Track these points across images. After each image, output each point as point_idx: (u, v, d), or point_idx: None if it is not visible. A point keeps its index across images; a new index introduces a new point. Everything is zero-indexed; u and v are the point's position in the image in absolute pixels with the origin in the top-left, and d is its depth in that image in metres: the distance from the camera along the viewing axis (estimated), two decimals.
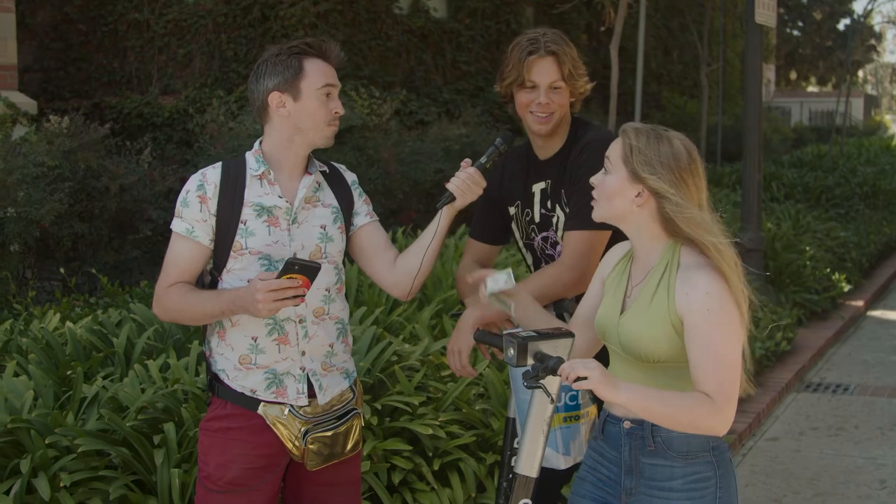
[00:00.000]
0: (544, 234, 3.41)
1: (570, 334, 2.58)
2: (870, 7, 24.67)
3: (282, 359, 2.99)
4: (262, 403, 2.98)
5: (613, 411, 2.71)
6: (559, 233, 3.36)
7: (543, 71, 3.31)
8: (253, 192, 2.99)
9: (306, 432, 2.98)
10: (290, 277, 2.71)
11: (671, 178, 2.57)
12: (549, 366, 2.45)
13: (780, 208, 12.45)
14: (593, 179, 2.70)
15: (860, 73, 44.84)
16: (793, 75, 47.45)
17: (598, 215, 2.70)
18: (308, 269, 2.73)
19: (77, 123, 9.18)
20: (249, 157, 3.04)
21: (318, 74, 2.97)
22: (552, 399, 2.55)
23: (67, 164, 8.60)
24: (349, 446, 3.09)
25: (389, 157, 9.60)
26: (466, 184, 2.97)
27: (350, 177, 3.20)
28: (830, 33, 44.88)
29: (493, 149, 3.09)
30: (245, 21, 12.26)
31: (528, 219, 3.46)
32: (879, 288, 11.69)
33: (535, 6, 16.23)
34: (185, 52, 12.66)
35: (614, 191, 2.63)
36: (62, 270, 8.02)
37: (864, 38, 34.03)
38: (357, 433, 3.11)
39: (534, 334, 2.54)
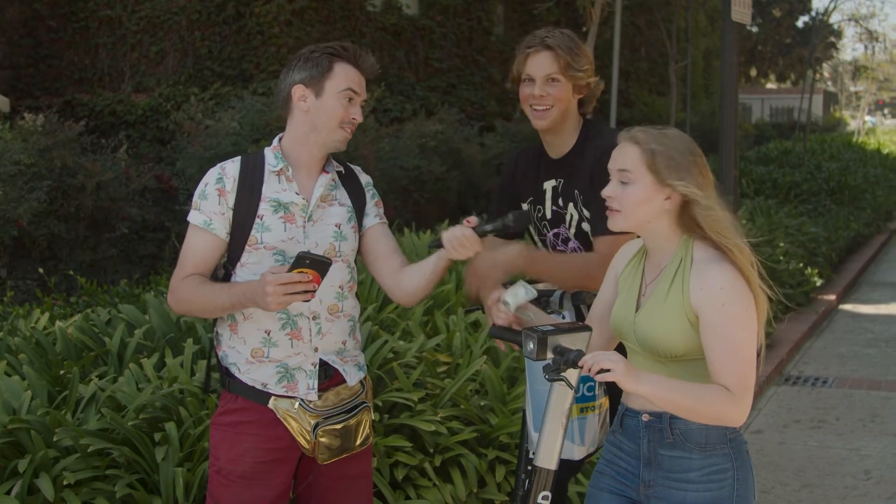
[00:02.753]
0: (556, 230, 3.44)
1: (587, 328, 2.63)
2: (832, 5, 24.92)
3: (294, 353, 3.01)
4: (272, 397, 3.00)
5: (631, 404, 2.75)
6: (571, 230, 3.39)
7: (539, 64, 3.33)
8: (270, 188, 3.00)
9: (316, 425, 3.00)
10: (301, 272, 2.71)
11: (697, 179, 2.61)
12: (570, 358, 2.49)
13: (752, 204, 12.58)
14: (608, 192, 2.68)
15: (820, 70, 45.29)
16: (753, 72, 47.86)
17: (620, 226, 2.68)
18: (319, 264, 2.72)
19: (52, 121, 9.11)
20: (268, 152, 3.06)
21: (343, 77, 2.99)
22: (574, 389, 2.59)
23: (43, 162, 8.54)
24: (360, 440, 3.10)
25: (368, 155, 9.60)
26: (459, 241, 2.89)
27: (364, 178, 3.22)
28: (790, 30, 45.28)
29: (500, 222, 2.96)
30: (219, 18, 12.21)
31: (539, 215, 3.49)
32: (849, 282, 11.85)
33: (505, 3, 16.29)
34: (159, 49, 12.59)
35: (641, 199, 2.63)
36: (41, 270, 7.96)
37: (823, 35, 34.38)
38: (367, 427, 3.13)
39: (552, 328, 2.59)
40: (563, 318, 3.30)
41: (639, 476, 2.73)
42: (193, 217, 3.01)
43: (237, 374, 3.04)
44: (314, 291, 2.76)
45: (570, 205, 3.38)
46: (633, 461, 2.74)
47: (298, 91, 3.01)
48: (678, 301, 2.61)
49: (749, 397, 2.55)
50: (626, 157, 2.65)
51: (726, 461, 2.66)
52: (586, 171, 3.32)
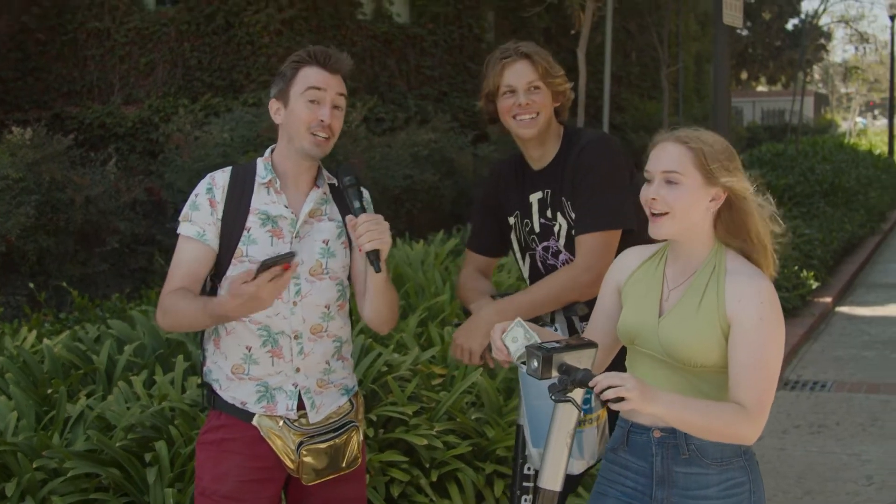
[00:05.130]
0: (545, 243, 3.36)
1: (593, 344, 2.51)
2: (822, 7, 24.96)
3: (275, 372, 2.93)
4: (256, 415, 2.92)
5: (639, 420, 2.64)
6: (561, 241, 3.31)
7: (518, 73, 3.26)
8: (259, 200, 2.93)
9: (300, 444, 2.92)
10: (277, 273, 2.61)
11: (739, 175, 2.54)
12: (577, 378, 2.38)
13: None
14: (652, 194, 2.55)
15: (811, 72, 45.38)
16: (743, 75, 47.94)
17: (666, 231, 2.56)
18: (283, 258, 2.62)
19: (40, 135, 9.03)
20: (259, 163, 2.99)
21: (304, 79, 2.90)
22: (581, 410, 2.50)
23: (32, 176, 8.46)
24: (347, 460, 3.02)
25: (359, 164, 9.53)
26: (370, 230, 2.77)
27: (364, 194, 3.12)
28: (780, 33, 45.37)
29: (350, 191, 2.88)
30: (209, 29, 12.14)
31: (527, 229, 3.40)
32: (845, 285, 11.80)
33: (495, 10, 16.25)
34: (148, 60, 12.51)
35: (690, 200, 2.53)
36: (31, 285, 7.87)
37: (813, 37, 34.44)
38: (356, 447, 3.04)
39: (557, 345, 2.47)
40: (556, 330, 3.22)
41: (650, 495, 2.62)
42: (185, 229, 2.93)
43: (218, 391, 2.97)
44: (286, 275, 2.63)
45: (559, 214, 3.30)
46: (644, 479, 2.64)
47: (273, 106, 2.96)
48: (713, 310, 2.52)
49: (764, 417, 2.47)
50: (673, 156, 2.54)
51: (742, 474, 2.59)
52: (570, 173, 3.25)
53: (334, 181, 3.04)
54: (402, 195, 10.52)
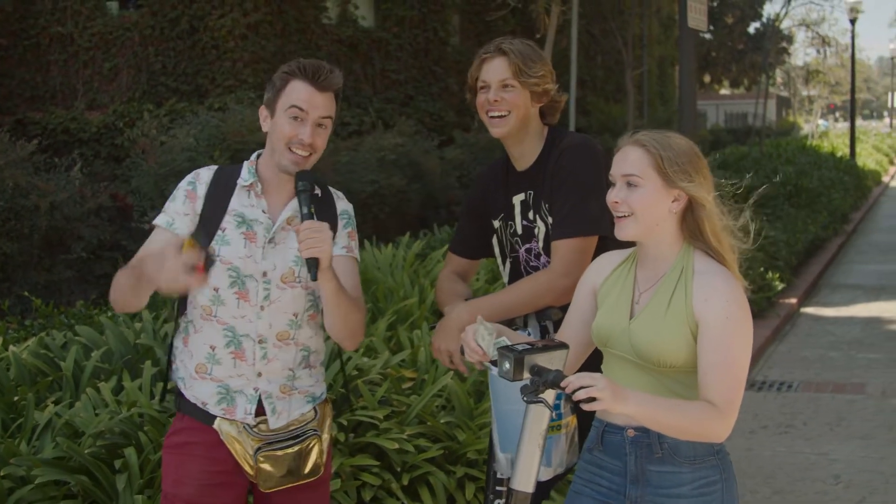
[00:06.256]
0: (527, 245, 3.35)
1: (564, 345, 2.53)
2: (784, 11, 25.21)
3: (236, 374, 2.92)
4: (217, 419, 2.92)
5: (613, 420, 2.67)
6: (540, 244, 3.31)
7: (493, 69, 3.26)
8: (239, 202, 2.93)
9: (258, 449, 2.91)
10: (191, 245, 2.57)
11: (702, 182, 2.57)
12: (549, 379, 2.39)
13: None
14: (615, 198, 2.60)
15: (773, 75, 45.74)
16: (707, 78, 48.27)
17: (630, 232, 2.61)
18: (209, 258, 2.60)
19: (2, 140, 8.94)
20: (245, 166, 2.99)
21: (291, 94, 2.89)
22: (552, 411, 2.50)
23: None
24: (308, 469, 3.00)
25: (326, 169, 9.51)
26: (310, 238, 2.73)
27: (342, 206, 3.08)
28: (742, 37, 45.73)
29: (301, 195, 2.84)
30: (173, 33, 12.08)
31: (511, 231, 3.39)
32: (809, 285, 11.91)
33: (460, 14, 16.28)
34: (112, 65, 12.42)
35: (651, 202, 2.57)
36: None
37: (775, 41, 34.73)
38: (317, 455, 3.01)
39: (529, 347, 2.48)
40: (529, 334, 3.22)
41: (625, 494, 2.65)
42: (158, 219, 2.95)
43: (183, 391, 2.97)
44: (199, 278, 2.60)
45: (538, 217, 3.30)
46: (619, 479, 2.66)
47: (262, 113, 2.97)
48: (681, 310, 2.55)
49: (734, 414, 2.50)
50: (633, 160, 2.59)
51: (715, 473, 2.61)
52: (549, 177, 3.25)
53: (318, 192, 3.02)
54: (369, 200, 10.50)
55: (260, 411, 2.95)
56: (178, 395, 3.00)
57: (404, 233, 9.25)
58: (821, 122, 56.90)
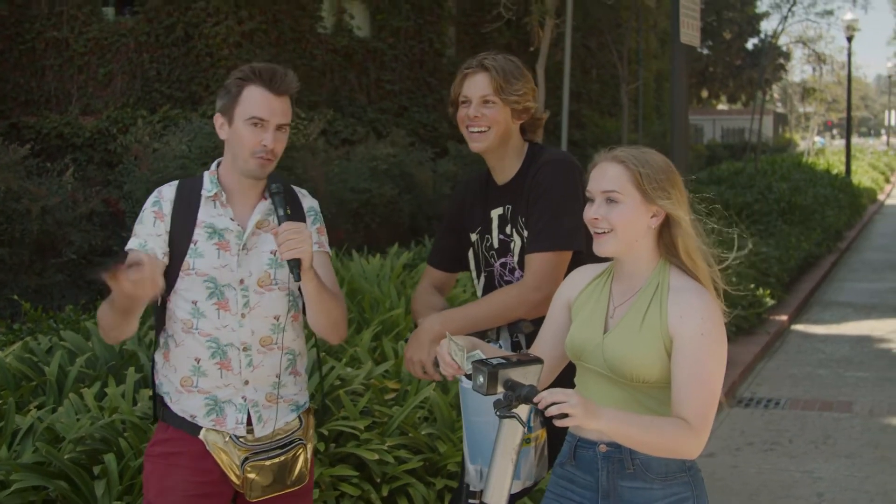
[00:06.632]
0: (503, 259, 3.35)
1: (539, 360, 2.52)
2: (781, 28, 25.26)
3: (224, 385, 2.92)
4: (203, 429, 2.92)
5: (586, 435, 2.67)
6: (515, 258, 3.31)
7: (474, 85, 3.26)
8: (206, 213, 2.93)
9: (245, 460, 2.91)
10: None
11: (678, 198, 2.59)
12: (522, 394, 2.38)
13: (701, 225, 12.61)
14: (594, 214, 2.61)
15: (770, 92, 45.82)
16: (704, 94, 48.36)
17: (610, 248, 2.61)
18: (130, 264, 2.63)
19: None
20: (206, 177, 2.98)
21: (249, 104, 2.88)
22: (525, 427, 2.50)
23: None
24: (293, 477, 3.00)
25: (317, 177, 9.52)
26: (289, 239, 2.73)
27: (308, 203, 3.10)
28: (740, 52, 45.81)
29: (276, 198, 2.88)
30: (168, 40, 12.09)
31: (487, 244, 3.39)
32: (801, 302, 11.92)
33: (457, 25, 16.30)
34: (106, 71, 12.43)
35: (631, 218, 2.58)
36: None
37: (772, 57, 34.81)
38: (302, 464, 3.02)
39: (504, 361, 2.47)
40: (500, 347, 3.23)
41: None
42: (130, 244, 2.95)
43: (169, 404, 2.97)
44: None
45: (514, 232, 3.31)
46: (590, 493, 2.67)
47: (218, 120, 2.95)
48: (655, 326, 2.56)
49: (707, 431, 2.51)
50: (612, 176, 2.60)
51: (686, 490, 2.61)
52: (526, 192, 3.26)
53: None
54: (360, 209, 10.51)
55: (248, 421, 2.95)
56: (161, 404, 3.00)
57: (395, 243, 9.25)
58: (817, 139, 56.95)
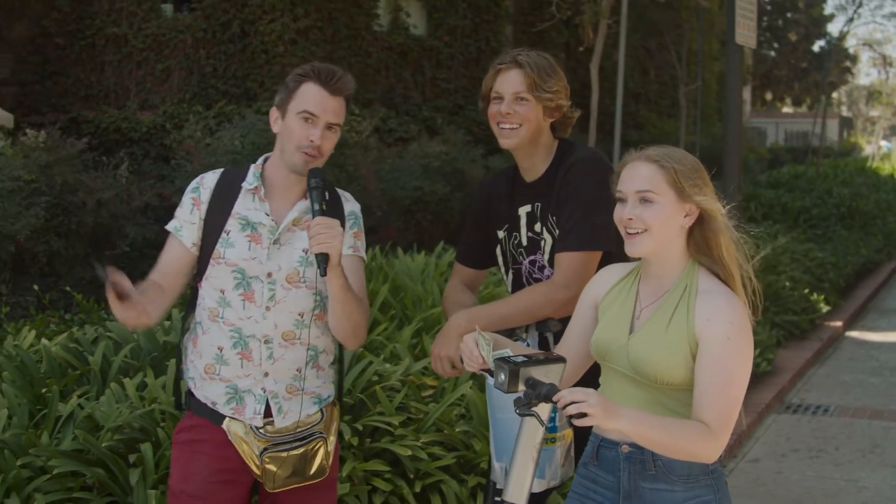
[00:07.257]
0: (532, 257, 3.34)
1: (561, 359, 2.52)
2: (846, 30, 24.89)
3: (244, 374, 2.97)
4: (226, 418, 2.97)
5: (609, 435, 2.65)
6: (545, 256, 3.30)
7: (507, 81, 3.25)
8: (242, 205, 2.99)
9: (263, 451, 2.94)
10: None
11: (710, 192, 2.58)
12: (542, 392, 2.38)
13: (757, 230, 12.47)
14: (629, 214, 2.58)
15: (835, 95, 45.18)
16: (768, 96, 47.82)
17: (645, 248, 2.59)
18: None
19: (54, 137, 9.09)
20: (252, 169, 3.03)
21: (303, 98, 2.94)
22: (545, 426, 2.49)
23: (44, 178, 8.52)
24: (313, 470, 3.02)
25: (369, 175, 9.55)
26: (320, 233, 2.76)
27: (350, 206, 3.12)
28: (806, 55, 45.26)
29: (314, 192, 2.88)
30: (224, 37, 12.20)
31: (515, 242, 3.39)
32: (857, 309, 11.72)
33: (514, 24, 16.27)
34: (164, 66, 12.58)
35: (666, 218, 2.56)
36: (35, 287, 7.91)
37: (839, 60, 34.32)
38: (322, 457, 3.03)
39: (525, 359, 2.47)
40: (527, 344, 3.22)
41: None
42: (170, 224, 3.04)
43: (193, 390, 3.03)
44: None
45: (545, 229, 3.29)
46: (612, 494, 2.65)
47: (273, 114, 3.02)
48: (682, 328, 2.54)
49: (727, 436, 2.48)
50: (646, 176, 2.57)
51: (709, 493, 2.59)
52: (557, 190, 3.24)
53: (327, 195, 3.05)
54: (412, 206, 10.53)
55: (268, 412, 2.99)
56: (189, 392, 3.07)
57: (446, 241, 9.25)
58: (883, 143, 55.98)
